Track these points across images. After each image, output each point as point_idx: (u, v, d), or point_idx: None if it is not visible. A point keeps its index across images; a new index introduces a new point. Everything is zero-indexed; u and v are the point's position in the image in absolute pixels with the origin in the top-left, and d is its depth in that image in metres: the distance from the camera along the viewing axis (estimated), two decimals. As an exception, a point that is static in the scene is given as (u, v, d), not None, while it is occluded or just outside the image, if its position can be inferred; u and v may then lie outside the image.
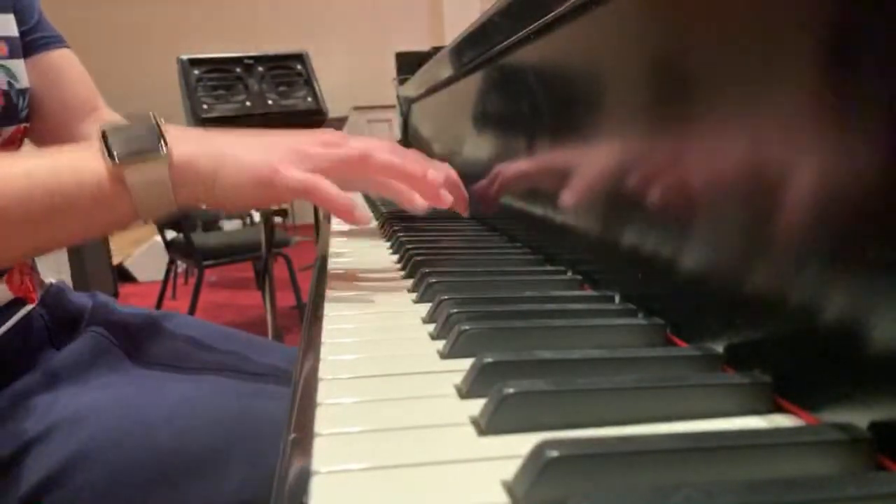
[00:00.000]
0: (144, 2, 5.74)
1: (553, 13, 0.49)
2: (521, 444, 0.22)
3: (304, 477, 0.22)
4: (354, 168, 0.49)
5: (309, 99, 1.24)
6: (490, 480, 0.21)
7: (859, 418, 0.22)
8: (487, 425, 0.25)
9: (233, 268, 2.93)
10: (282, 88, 1.25)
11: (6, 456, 0.51)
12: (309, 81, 1.26)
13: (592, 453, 0.21)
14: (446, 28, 5.09)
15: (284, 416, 0.30)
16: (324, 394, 0.29)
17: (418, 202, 0.53)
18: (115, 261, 3.32)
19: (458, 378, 0.30)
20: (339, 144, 0.50)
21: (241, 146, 0.48)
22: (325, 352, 0.34)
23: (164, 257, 2.80)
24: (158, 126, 0.46)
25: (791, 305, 0.26)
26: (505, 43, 0.62)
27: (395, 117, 1.66)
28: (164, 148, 0.45)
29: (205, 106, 1.19)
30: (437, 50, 1.16)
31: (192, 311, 2.39)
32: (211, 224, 3.68)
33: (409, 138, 1.37)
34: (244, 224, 3.96)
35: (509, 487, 0.21)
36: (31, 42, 0.65)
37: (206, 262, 2.41)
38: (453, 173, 0.55)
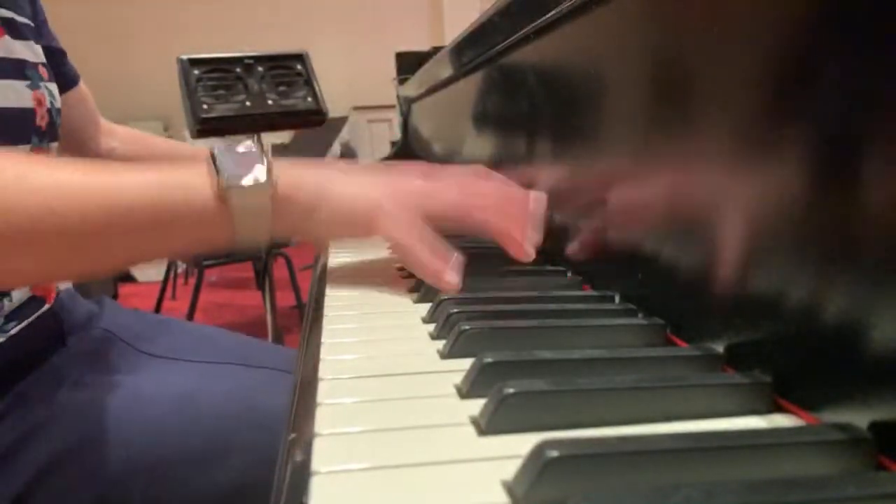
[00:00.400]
0: (144, 1, 5.74)
1: (553, 13, 0.49)
2: (521, 444, 0.22)
3: (304, 477, 0.22)
4: (451, 220, 0.47)
5: (309, 99, 1.24)
6: (490, 480, 0.21)
7: (859, 418, 0.22)
8: (487, 425, 0.25)
9: (233, 268, 2.93)
10: (282, 88, 1.25)
11: (12, 442, 0.51)
12: (309, 81, 1.26)
13: (592, 453, 0.21)
14: (446, 28, 5.09)
15: (285, 408, 0.30)
16: (324, 394, 0.29)
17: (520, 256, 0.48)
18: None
19: (458, 378, 0.30)
20: (437, 182, 0.48)
21: (345, 180, 0.47)
22: (325, 352, 0.34)
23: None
24: (266, 155, 0.46)
25: (791, 305, 0.26)
26: (505, 43, 0.62)
27: (395, 117, 1.66)
28: (269, 175, 0.44)
29: (205, 106, 1.19)
30: (437, 50, 1.16)
31: (191, 310, 2.39)
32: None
33: (408, 138, 1.37)
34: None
35: (509, 487, 0.21)
36: (67, 80, 0.71)
37: (205, 262, 2.41)
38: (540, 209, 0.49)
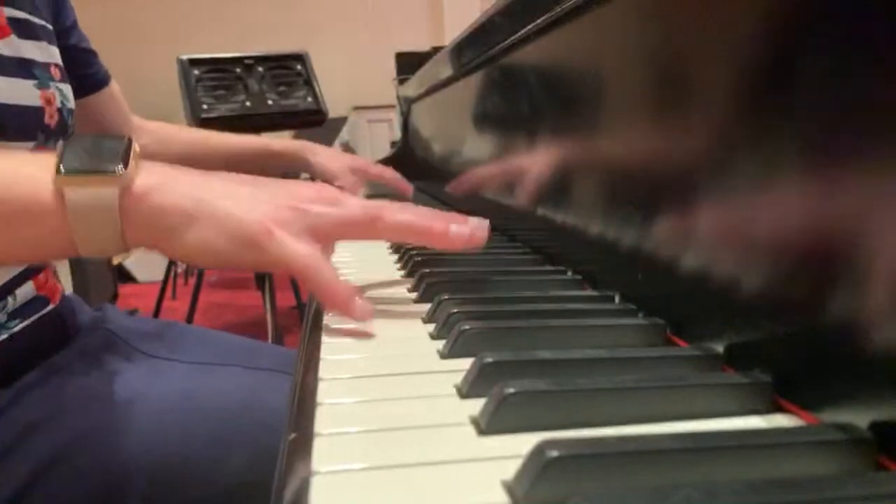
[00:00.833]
0: (144, 1, 5.74)
1: (553, 13, 0.49)
2: (521, 444, 0.22)
3: (304, 477, 0.22)
4: (361, 231, 0.41)
5: (309, 99, 1.24)
6: (490, 480, 0.21)
7: (859, 418, 0.22)
8: (487, 425, 0.25)
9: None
10: (282, 88, 1.25)
11: (13, 437, 0.52)
12: (309, 81, 1.26)
13: (592, 453, 0.21)
14: (446, 28, 5.09)
15: (285, 408, 0.30)
16: (324, 394, 0.29)
17: (452, 244, 0.43)
18: (115, 261, 3.32)
19: (458, 378, 0.30)
20: (339, 202, 0.41)
21: (227, 195, 0.39)
22: (325, 352, 0.34)
23: (163, 257, 2.80)
24: (129, 147, 0.38)
25: (791, 305, 0.26)
26: (505, 43, 0.62)
27: (395, 117, 1.65)
28: (119, 169, 0.37)
29: (205, 106, 1.19)
30: (437, 50, 1.16)
31: (191, 311, 2.39)
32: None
33: (408, 138, 1.37)
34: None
35: (509, 487, 0.21)
36: (83, 76, 0.72)
37: (206, 262, 2.40)
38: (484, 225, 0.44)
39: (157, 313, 2.68)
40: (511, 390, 0.25)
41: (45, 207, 0.37)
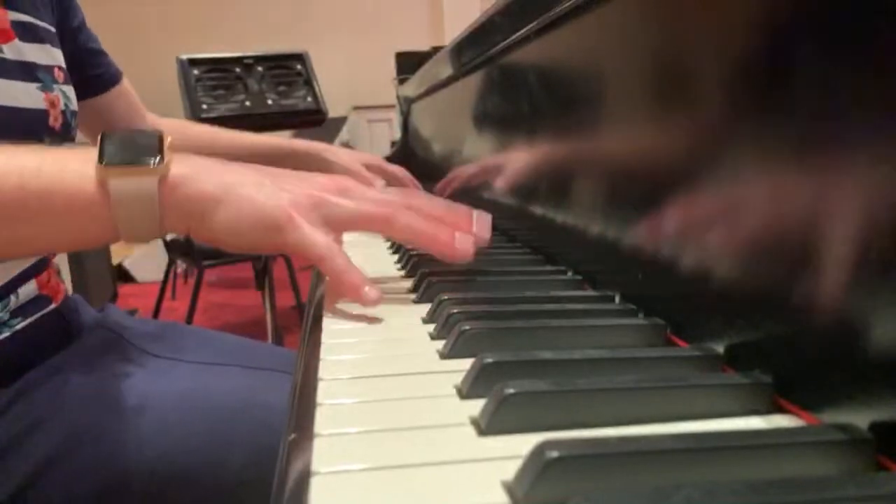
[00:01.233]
0: (144, 1, 5.74)
1: (553, 13, 0.49)
2: (521, 444, 0.22)
3: (304, 477, 0.22)
4: (373, 226, 0.44)
5: (309, 99, 1.24)
6: (490, 480, 0.21)
7: (859, 418, 0.22)
8: (487, 425, 0.25)
9: (233, 268, 2.93)
10: (281, 88, 1.25)
11: (16, 434, 0.52)
12: (309, 81, 1.26)
13: (592, 453, 0.21)
14: (446, 28, 5.09)
15: (285, 407, 0.30)
16: (324, 394, 0.29)
17: (461, 258, 0.44)
18: (115, 261, 3.32)
19: (458, 378, 0.30)
20: (358, 192, 0.45)
21: (252, 183, 0.42)
22: (325, 352, 0.34)
23: (163, 257, 2.80)
24: (161, 140, 0.42)
25: (791, 305, 0.26)
26: (505, 43, 0.62)
27: (395, 117, 1.65)
28: (157, 160, 0.40)
29: (204, 106, 1.19)
30: (437, 50, 1.16)
31: (191, 311, 2.39)
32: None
33: (408, 138, 1.37)
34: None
35: (509, 487, 0.21)
36: (93, 77, 0.73)
37: (205, 263, 2.40)
38: (487, 219, 0.46)
39: (156, 313, 2.68)
40: (511, 391, 0.25)
41: (91, 198, 0.40)
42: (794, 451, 0.22)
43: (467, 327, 0.33)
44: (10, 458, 0.51)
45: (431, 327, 0.38)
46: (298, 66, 1.27)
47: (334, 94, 1.69)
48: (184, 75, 1.21)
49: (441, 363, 0.33)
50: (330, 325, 0.39)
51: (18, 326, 0.57)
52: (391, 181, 0.94)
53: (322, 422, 0.26)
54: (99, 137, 0.41)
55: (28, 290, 0.59)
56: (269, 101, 1.22)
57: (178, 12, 5.86)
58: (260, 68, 1.25)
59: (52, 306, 0.62)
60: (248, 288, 3.51)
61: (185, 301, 2.56)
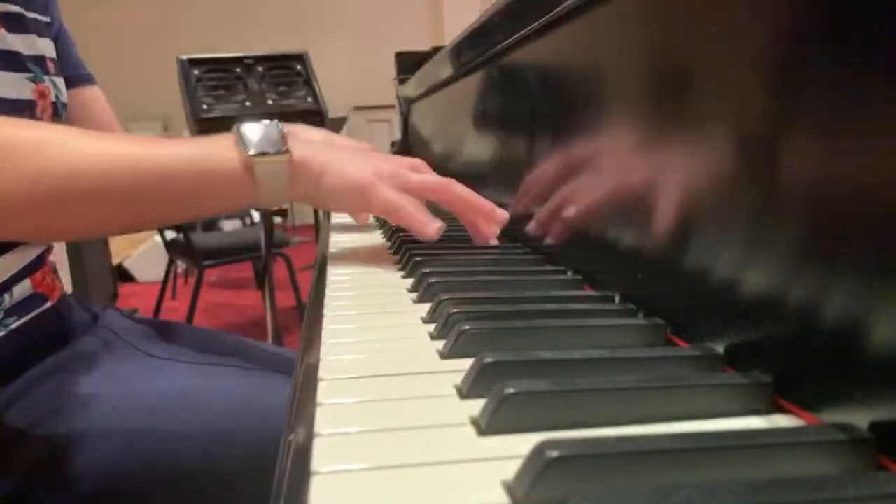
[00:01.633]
0: (144, 2, 5.74)
1: (553, 13, 0.49)
2: (521, 444, 0.22)
3: (304, 477, 0.22)
4: (437, 193, 0.56)
5: (309, 99, 1.24)
6: (490, 480, 0.21)
7: (859, 418, 0.22)
8: (487, 425, 0.25)
9: (233, 268, 2.93)
10: (282, 88, 1.25)
11: (15, 433, 0.52)
12: (309, 81, 1.26)
13: (592, 453, 0.21)
14: (446, 28, 5.09)
15: (285, 407, 0.30)
16: (324, 394, 0.29)
17: (491, 240, 0.59)
18: (115, 261, 3.32)
19: (458, 378, 0.30)
20: (422, 171, 0.58)
21: (346, 158, 0.55)
22: (325, 352, 0.34)
23: (163, 257, 2.80)
24: (282, 130, 0.54)
25: (791, 305, 0.26)
26: (505, 43, 0.62)
27: (395, 117, 1.65)
28: (285, 149, 0.53)
29: (205, 106, 1.19)
30: (437, 50, 1.16)
31: (191, 311, 2.39)
32: (211, 224, 3.68)
33: (409, 138, 1.37)
34: (244, 224, 3.96)
35: (509, 487, 0.21)
36: (68, 77, 0.72)
37: (205, 263, 2.41)
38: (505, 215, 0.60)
39: (157, 313, 2.68)
40: (511, 390, 0.25)
41: (242, 180, 0.52)
42: (794, 451, 0.22)
43: (467, 327, 0.33)
44: (10, 458, 0.51)
45: (431, 327, 0.38)
46: (298, 67, 1.27)
47: (334, 94, 1.69)
48: (184, 75, 1.21)
49: (441, 363, 0.33)
50: (330, 325, 0.39)
51: (14, 325, 0.57)
52: None
53: (322, 422, 0.26)
54: (235, 128, 0.53)
55: (22, 289, 0.59)
56: (270, 102, 1.22)
57: (178, 12, 5.86)
58: (260, 68, 1.25)
59: (48, 304, 0.62)
60: (248, 288, 3.52)
61: (185, 301, 2.57)
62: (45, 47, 0.64)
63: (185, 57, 1.23)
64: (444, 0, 5.33)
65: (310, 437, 0.25)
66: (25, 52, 0.60)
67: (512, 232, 0.64)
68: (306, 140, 0.56)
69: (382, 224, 0.78)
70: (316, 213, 2.65)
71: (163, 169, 0.51)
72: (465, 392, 0.28)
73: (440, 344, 0.35)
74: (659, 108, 0.37)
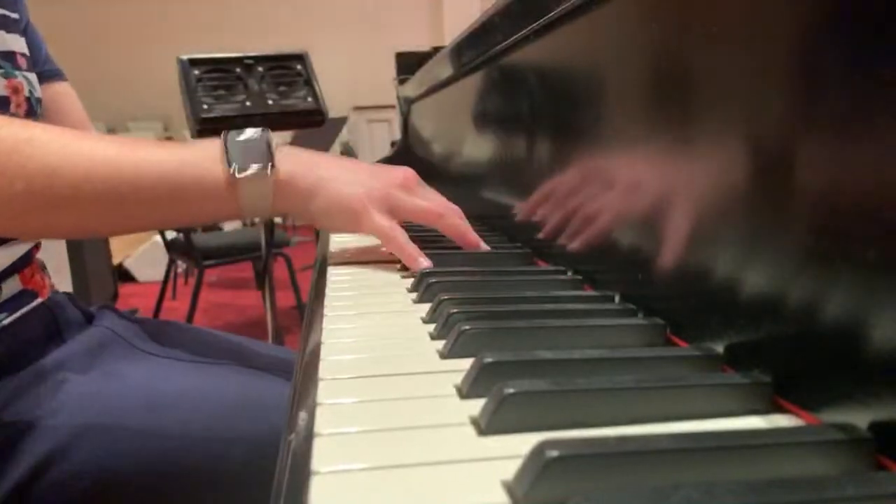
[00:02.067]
0: (144, 2, 5.74)
1: (553, 13, 0.49)
2: (521, 444, 0.22)
3: (304, 477, 0.22)
4: (428, 221, 0.56)
5: (309, 99, 1.23)
6: (490, 480, 0.21)
7: (859, 418, 0.22)
8: (487, 425, 0.25)
9: (233, 268, 2.93)
10: (282, 88, 1.24)
11: (14, 432, 0.52)
12: (309, 81, 1.26)
13: (592, 453, 0.21)
14: (446, 28, 5.09)
15: (284, 402, 0.30)
16: (324, 394, 0.29)
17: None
18: (115, 261, 3.32)
19: (458, 378, 0.30)
20: (418, 192, 0.57)
21: (337, 177, 0.54)
22: (325, 352, 0.34)
23: (164, 257, 2.80)
24: (270, 145, 0.53)
25: (791, 305, 0.26)
26: (505, 43, 0.62)
27: (395, 117, 1.65)
28: (272, 164, 0.52)
29: (205, 106, 1.19)
30: (437, 50, 1.16)
31: (191, 311, 2.39)
32: (211, 224, 3.68)
33: (409, 138, 1.37)
34: (244, 224, 3.96)
35: (509, 487, 0.21)
36: (39, 73, 0.70)
37: (206, 263, 2.41)
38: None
39: (157, 313, 2.68)
40: (511, 390, 0.25)
41: (223, 193, 0.51)
42: (794, 450, 0.22)
43: (467, 327, 0.33)
44: (9, 457, 0.51)
45: (431, 327, 0.38)
46: (299, 67, 1.27)
47: (334, 94, 1.69)
48: (184, 75, 1.21)
49: (441, 363, 0.33)
50: (330, 325, 0.39)
51: (6, 321, 0.57)
52: None
53: (322, 422, 0.26)
54: (221, 139, 0.53)
55: (11, 285, 0.59)
56: (270, 102, 1.22)
57: (178, 12, 5.86)
58: (260, 68, 1.24)
59: (39, 300, 0.62)
60: (248, 288, 3.52)
61: (185, 301, 2.57)
62: (15, 43, 0.64)
63: (185, 57, 1.23)
64: (444, 0, 5.33)
65: (310, 437, 0.25)
66: (3, 48, 0.60)
67: (512, 232, 0.64)
68: (298, 157, 0.55)
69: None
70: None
71: (142, 176, 0.50)
72: (465, 392, 0.28)
73: (440, 344, 0.35)
74: (658, 109, 0.37)
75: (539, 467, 0.20)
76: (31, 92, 0.63)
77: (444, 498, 0.21)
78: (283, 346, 0.78)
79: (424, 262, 0.51)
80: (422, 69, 1.15)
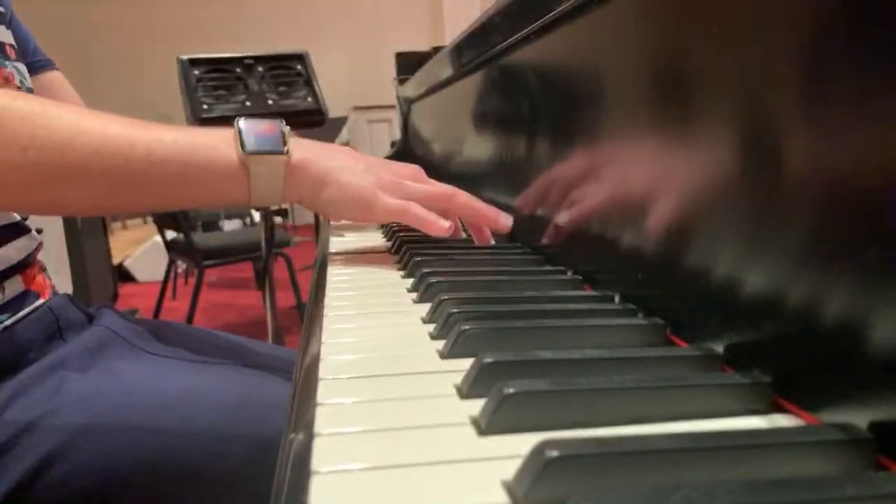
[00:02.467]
0: (144, 2, 5.74)
1: (553, 13, 0.49)
2: (521, 444, 0.22)
3: (304, 477, 0.22)
4: (440, 202, 0.56)
5: (309, 99, 1.24)
6: (490, 480, 0.21)
7: (859, 418, 0.22)
8: (487, 425, 0.25)
9: (233, 268, 2.93)
10: (282, 88, 1.25)
11: (15, 431, 0.52)
12: (309, 81, 1.26)
13: (592, 453, 0.21)
14: (446, 28, 5.09)
15: (284, 402, 0.30)
16: (324, 394, 0.29)
17: (492, 240, 0.61)
18: (115, 261, 3.32)
19: (458, 378, 0.30)
20: (427, 181, 0.58)
21: (348, 167, 0.55)
22: (325, 351, 0.34)
23: (164, 257, 2.81)
24: (284, 133, 0.54)
25: (791, 305, 0.26)
26: (505, 43, 0.62)
27: (395, 117, 1.66)
28: (284, 150, 0.53)
29: (205, 106, 1.19)
30: (437, 50, 1.16)
31: (191, 311, 2.39)
32: (211, 224, 3.68)
33: (409, 138, 1.37)
34: (244, 224, 3.96)
35: (509, 487, 0.21)
36: (29, 64, 0.71)
37: (206, 263, 2.41)
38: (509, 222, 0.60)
39: (157, 313, 2.68)
40: (511, 390, 0.25)
41: (237, 174, 0.52)
42: (794, 450, 0.22)
43: (467, 327, 0.33)
44: (10, 456, 0.51)
45: (431, 327, 0.38)
46: (299, 67, 1.27)
47: (335, 94, 1.69)
48: (184, 75, 1.21)
49: (441, 363, 0.33)
50: (330, 325, 0.39)
51: (7, 322, 0.57)
52: None
53: (322, 422, 0.26)
54: (235, 124, 0.53)
55: (14, 285, 0.59)
56: (270, 102, 1.22)
57: (178, 12, 5.86)
58: (260, 68, 1.25)
59: (41, 301, 0.62)
60: (248, 288, 3.52)
61: (185, 301, 2.57)
62: (2, 34, 0.64)
63: (185, 57, 1.23)
64: (444, 0, 5.33)
65: (310, 436, 0.25)
66: None
67: (512, 232, 0.64)
68: (310, 145, 0.56)
69: (383, 224, 0.77)
70: (316, 213, 2.65)
71: (154, 154, 0.50)
72: (465, 392, 0.28)
73: (440, 344, 0.35)
74: (658, 108, 0.37)
75: (539, 467, 0.20)
76: (21, 82, 0.63)
77: (444, 498, 0.21)
78: (284, 346, 0.77)
79: (445, 224, 0.53)
80: (422, 69, 1.15)
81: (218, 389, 0.58)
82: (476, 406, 0.27)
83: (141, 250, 3.95)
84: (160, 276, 2.88)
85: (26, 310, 0.60)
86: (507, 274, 0.50)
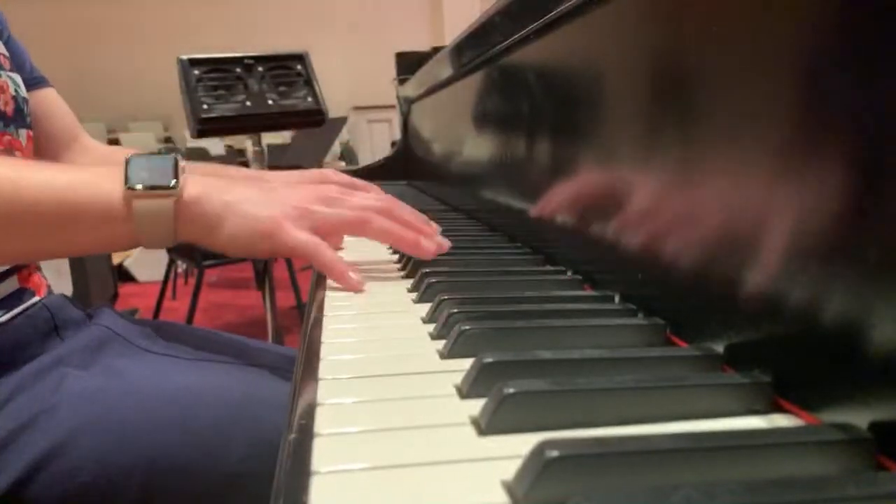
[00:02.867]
0: (144, 2, 5.74)
1: (553, 13, 0.49)
2: (521, 444, 0.22)
3: (305, 477, 0.22)
4: (352, 230, 0.52)
5: (309, 99, 1.24)
6: (490, 480, 0.21)
7: (859, 418, 0.22)
8: (487, 425, 0.25)
9: (233, 268, 2.93)
10: (282, 88, 1.25)
11: (13, 429, 0.52)
12: (309, 81, 1.26)
13: (592, 453, 0.21)
14: (446, 28, 5.09)
15: (284, 401, 0.30)
16: (324, 394, 0.29)
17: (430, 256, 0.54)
18: (116, 261, 3.32)
19: (458, 378, 0.30)
20: (339, 201, 0.52)
21: (249, 198, 0.50)
22: (325, 351, 0.34)
23: (164, 257, 2.81)
24: (177, 165, 0.49)
25: (791, 305, 0.26)
26: (505, 43, 0.62)
27: (395, 117, 1.66)
28: (175, 185, 0.48)
29: (205, 106, 1.19)
30: (437, 50, 1.16)
31: (191, 311, 2.39)
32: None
33: (409, 138, 1.37)
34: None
35: (509, 487, 0.21)
36: (23, 81, 0.70)
37: (206, 263, 2.40)
38: (442, 241, 0.54)
39: (157, 313, 2.68)
40: (511, 390, 0.25)
41: (118, 215, 0.47)
42: (794, 450, 0.22)
43: (467, 327, 0.33)
44: (9, 453, 0.51)
45: (431, 327, 0.38)
46: (299, 67, 1.27)
47: (334, 94, 1.69)
48: (185, 75, 1.21)
49: (441, 363, 0.33)
50: (330, 325, 0.39)
51: (2, 319, 0.57)
52: None
53: (322, 422, 0.26)
54: (124, 160, 0.48)
55: (9, 283, 0.59)
56: (270, 102, 1.22)
57: (178, 12, 5.86)
58: (260, 68, 1.25)
59: (36, 298, 0.62)
60: (248, 288, 3.51)
61: (185, 301, 2.56)
62: None
63: (185, 57, 1.23)
64: (444, 0, 5.33)
65: (310, 437, 0.25)
66: None
67: (512, 232, 0.64)
68: (206, 180, 0.51)
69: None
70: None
71: (35, 195, 0.46)
72: (465, 392, 0.28)
73: (440, 344, 0.35)
74: (658, 108, 0.37)
75: (539, 467, 0.20)
76: (16, 91, 0.63)
77: (444, 498, 0.21)
78: (284, 347, 0.77)
79: (356, 278, 0.48)
80: (422, 69, 1.15)
81: (218, 388, 0.58)
82: (476, 406, 0.27)
83: (141, 250, 3.95)
84: (160, 276, 2.88)
85: (21, 307, 0.60)
86: (507, 274, 0.50)
